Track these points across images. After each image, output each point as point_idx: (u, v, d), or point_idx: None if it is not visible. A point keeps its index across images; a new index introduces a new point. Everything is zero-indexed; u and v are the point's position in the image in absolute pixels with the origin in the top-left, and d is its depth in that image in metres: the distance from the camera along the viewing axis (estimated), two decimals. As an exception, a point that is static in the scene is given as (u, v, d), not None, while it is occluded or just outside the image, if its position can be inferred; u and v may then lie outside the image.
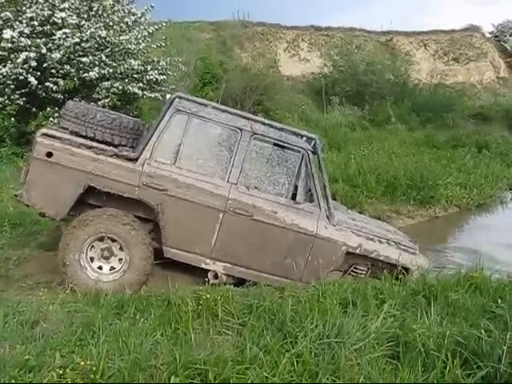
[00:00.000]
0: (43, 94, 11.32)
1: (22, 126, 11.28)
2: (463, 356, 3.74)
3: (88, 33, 11.18)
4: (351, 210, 7.30)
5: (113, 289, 5.07)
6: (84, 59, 11.32)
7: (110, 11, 12.25)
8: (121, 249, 5.32)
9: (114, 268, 5.34)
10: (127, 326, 4.05)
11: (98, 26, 11.46)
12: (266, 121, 5.78)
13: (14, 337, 3.79)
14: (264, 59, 25.44)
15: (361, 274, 5.81)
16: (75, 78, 11.19)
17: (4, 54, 10.67)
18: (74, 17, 11.26)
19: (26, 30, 10.72)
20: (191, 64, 18.52)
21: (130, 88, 12.00)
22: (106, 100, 11.53)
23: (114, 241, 5.30)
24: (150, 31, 13.40)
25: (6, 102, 10.91)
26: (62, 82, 11.12)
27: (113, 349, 3.67)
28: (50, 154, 5.09)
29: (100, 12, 11.97)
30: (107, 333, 3.90)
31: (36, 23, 10.89)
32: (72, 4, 11.42)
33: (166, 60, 13.65)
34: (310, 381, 3.47)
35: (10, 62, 10.55)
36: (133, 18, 13.07)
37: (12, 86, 10.78)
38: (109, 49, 11.83)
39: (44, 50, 10.69)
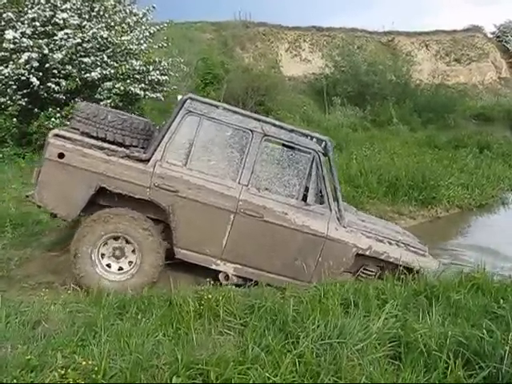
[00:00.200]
0: (45, 94, 11.32)
1: (23, 127, 11.29)
2: (465, 356, 3.74)
3: (90, 33, 11.18)
4: (360, 212, 7.31)
5: (116, 289, 5.08)
6: (86, 60, 11.33)
7: (111, 12, 12.27)
8: (133, 252, 5.35)
9: (123, 269, 5.36)
10: (129, 326, 4.05)
11: (99, 26, 11.46)
12: (277, 122, 5.80)
13: (16, 337, 3.79)
14: (265, 60, 25.47)
15: (370, 275, 5.81)
16: (77, 79, 11.20)
17: (6, 54, 10.68)
18: (76, 17, 11.26)
19: (28, 31, 10.72)
20: (193, 64, 18.55)
21: (132, 88, 11.99)
22: (108, 101, 11.52)
23: (128, 242, 5.33)
24: (152, 32, 13.40)
25: (8, 102, 10.93)
26: (63, 83, 11.13)
27: (114, 349, 3.68)
28: (61, 155, 5.11)
29: (101, 12, 11.98)
30: (109, 333, 3.90)
31: (38, 24, 10.90)
32: (74, 5, 11.43)
33: (168, 60, 13.64)
34: (311, 381, 3.47)
35: (11, 62, 10.55)
36: (134, 18, 13.07)
37: (14, 87, 10.79)
38: (110, 49, 11.83)
39: (46, 51, 10.70)
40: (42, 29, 11.05)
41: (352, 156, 13.61)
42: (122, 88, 11.70)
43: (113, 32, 11.80)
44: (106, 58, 11.65)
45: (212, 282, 5.09)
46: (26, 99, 11.05)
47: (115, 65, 11.87)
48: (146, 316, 4.27)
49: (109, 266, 5.33)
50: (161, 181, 5.25)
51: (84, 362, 3.33)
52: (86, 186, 5.17)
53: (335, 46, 27.92)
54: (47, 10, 11.03)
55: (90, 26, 11.37)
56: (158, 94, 13.26)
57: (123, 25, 12.60)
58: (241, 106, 16.56)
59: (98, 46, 11.62)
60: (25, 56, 10.40)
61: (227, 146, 5.48)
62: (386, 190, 11.54)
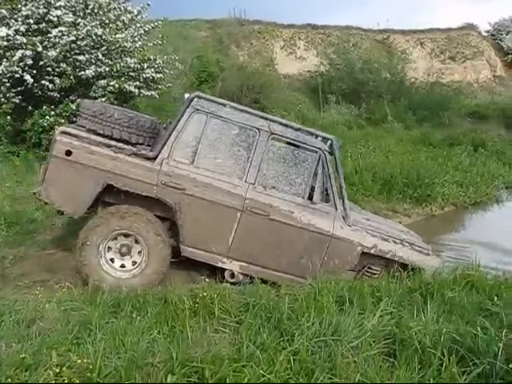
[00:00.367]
0: (39, 92, 11.26)
1: (17, 125, 11.24)
2: (459, 353, 3.76)
3: (84, 31, 11.12)
4: (365, 211, 7.34)
5: (112, 284, 5.11)
6: (80, 57, 11.26)
7: (105, 9, 12.20)
8: (139, 253, 5.36)
9: (125, 267, 5.36)
10: (124, 324, 4.05)
11: (93, 24, 11.40)
12: (284, 121, 5.83)
13: (11, 335, 3.79)
14: (260, 57, 25.46)
15: (374, 274, 5.83)
16: (71, 77, 11.13)
17: (0, 52, 10.63)
18: (70, 15, 11.18)
19: (22, 28, 10.65)
20: (188, 62, 18.52)
21: (127, 86, 11.95)
22: (103, 99, 11.46)
23: (137, 242, 5.34)
24: (147, 29, 13.33)
25: (2, 100, 10.86)
26: (58, 81, 11.06)
27: (109, 347, 3.68)
28: (69, 153, 5.11)
29: (96, 10, 11.91)
30: (104, 331, 3.90)
31: (31, 21, 10.83)
32: (68, 2, 11.35)
33: (163, 58, 13.61)
34: (306, 379, 3.48)
35: (5, 60, 10.49)
36: (129, 16, 13.00)
37: (8, 84, 10.72)
38: (105, 47, 11.78)
39: (40, 48, 10.63)
40: (36, 26, 10.98)
41: (347, 154, 13.62)
42: (116, 86, 11.66)
43: (107, 30, 11.74)
44: (100, 56, 11.59)
45: (207, 280, 5.09)
46: (19, 97, 10.98)
47: (110, 62, 11.83)
48: (140, 314, 4.26)
49: (112, 260, 5.34)
50: (168, 179, 5.26)
51: (79, 361, 3.33)
52: (93, 183, 5.18)
53: (330, 44, 27.92)
54: (41, 7, 10.96)
55: (84, 24, 11.30)
56: (153, 92, 13.23)
57: (118, 22, 12.53)
58: (236, 103, 16.54)
59: (92, 43, 11.55)
60: (19, 53, 10.34)
61: (234, 145, 5.50)
62: (381, 187, 11.57)
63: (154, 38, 14.03)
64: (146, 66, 12.72)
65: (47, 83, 11.02)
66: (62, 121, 10.87)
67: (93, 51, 11.56)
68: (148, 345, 3.76)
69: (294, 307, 4.40)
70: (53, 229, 6.98)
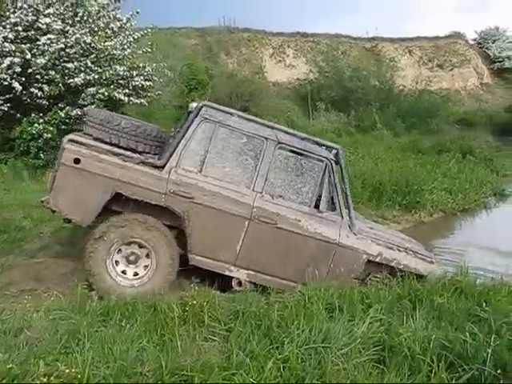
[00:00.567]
0: (28, 99, 11.24)
1: (5, 132, 11.22)
2: (448, 359, 3.78)
3: (73, 38, 11.14)
4: (367, 220, 7.39)
5: (111, 290, 5.13)
6: (69, 65, 11.27)
7: (95, 17, 12.22)
8: (145, 267, 5.37)
9: (125, 274, 5.34)
10: (113, 332, 4.01)
11: (83, 31, 11.42)
12: (291, 130, 5.84)
13: (-2, 345, 3.75)
14: (250, 65, 25.54)
15: (378, 282, 5.83)
16: (60, 84, 11.14)
17: (-12, 59, 10.60)
18: (59, 22, 11.21)
19: (10, 36, 10.65)
20: (177, 70, 18.53)
21: (116, 94, 11.96)
22: (92, 106, 11.44)
23: (148, 257, 5.35)
24: (136, 37, 13.37)
25: (-10, 107, 10.83)
26: (46, 88, 11.06)
27: (98, 356, 3.64)
28: (77, 161, 5.10)
29: (85, 18, 11.93)
30: (92, 340, 3.86)
31: (20, 28, 10.84)
32: (57, 9, 11.39)
33: (152, 66, 13.62)
34: (296, 386, 3.47)
35: (-6, 67, 10.47)
36: (118, 23, 13.03)
37: (-4, 92, 10.71)
38: (94, 55, 11.79)
39: (28, 56, 10.63)
40: (25, 33, 10.99)
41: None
42: (105, 93, 11.66)
43: (96, 37, 11.76)
44: (89, 64, 11.60)
45: (196, 287, 5.07)
46: (8, 104, 10.95)
47: (99, 70, 11.84)
48: (130, 322, 4.23)
49: (117, 263, 5.32)
50: (176, 187, 5.26)
51: (67, 370, 3.30)
52: (101, 191, 5.16)
53: (319, 52, 28.10)
54: (30, 14, 10.98)
55: (73, 31, 11.33)
56: (142, 100, 13.23)
57: (107, 30, 12.56)
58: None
59: (81, 51, 11.57)
60: (7, 61, 10.33)
61: (242, 154, 5.52)
62: (370, 194, 11.59)
63: (143, 45, 14.05)
64: (135, 73, 12.74)
65: (36, 91, 11.01)
66: (51, 128, 10.86)
67: (82, 59, 11.56)
68: (137, 353, 3.73)
69: (283, 315, 4.38)
70: (41, 237, 6.92)
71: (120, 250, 5.30)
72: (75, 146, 5.15)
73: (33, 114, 11.11)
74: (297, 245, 5.55)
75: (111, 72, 11.98)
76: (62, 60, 11.29)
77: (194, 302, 4.43)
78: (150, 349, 3.81)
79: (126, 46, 12.88)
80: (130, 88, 12.84)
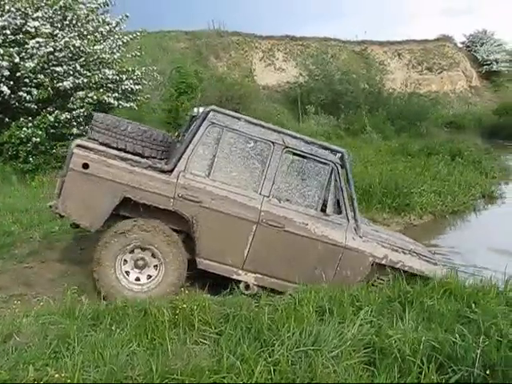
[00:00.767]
0: (16, 103, 11.20)
1: (-6, 137, 11.13)
2: (438, 361, 3.78)
3: (62, 42, 11.08)
4: (372, 223, 7.44)
5: (114, 293, 5.16)
6: (58, 69, 11.22)
7: (84, 21, 12.19)
8: (148, 277, 5.40)
9: (128, 275, 5.36)
10: (103, 337, 3.99)
11: (72, 35, 11.36)
12: (297, 134, 5.87)
13: (-14, 351, 3.72)
14: (239, 69, 25.58)
15: (382, 283, 5.86)
16: (49, 88, 11.08)
17: (-24, 63, 10.54)
18: (48, 26, 11.17)
19: (-1, 39, 10.61)
20: (166, 73, 18.51)
21: (105, 98, 11.90)
22: (81, 110, 11.42)
23: (156, 268, 5.39)
24: (125, 41, 13.36)
25: (-22, 112, 10.78)
26: (35, 92, 11.01)
27: (88, 360, 3.63)
28: (86, 166, 5.09)
29: (74, 21, 11.89)
30: (82, 344, 3.84)
31: (8, 32, 10.79)
32: (45, 13, 11.35)
33: (141, 70, 13.60)
34: (287, 389, 3.47)
35: (-18, 71, 10.42)
36: (107, 27, 13.00)
37: (-16, 96, 10.65)
38: (83, 58, 11.75)
39: (17, 59, 10.57)
40: (13, 37, 10.94)
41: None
42: (94, 97, 11.60)
43: (85, 41, 11.72)
44: (78, 67, 11.56)
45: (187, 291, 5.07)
46: (-4, 109, 10.91)
47: (88, 74, 11.79)
48: (120, 327, 4.21)
49: (125, 261, 5.34)
50: (184, 191, 5.27)
51: (57, 375, 3.29)
52: (110, 196, 5.17)
53: (309, 55, 28.20)
54: (18, 18, 10.93)
55: (62, 35, 11.28)
56: (132, 104, 13.21)
57: (96, 34, 12.55)
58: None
59: (70, 54, 11.52)
60: (-5, 65, 10.28)
61: (249, 158, 5.53)
62: (360, 197, 11.54)
63: (132, 49, 14.05)
64: (124, 77, 12.72)
65: (24, 94, 10.97)
66: (40, 132, 10.81)
67: (71, 62, 11.52)
68: (127, 357, 3.72)
69: (274, 318, 4.38)
70: (30, 242, 6.89)
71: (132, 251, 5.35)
72: (83, 151, 5.15)
73: (21, 118, 11.04)
74: (304, 248, 5.58)
75: (100, 76, 11.94)
76: (50, 64, 11.24)
77: (185, 305, 4.42)
78: (141, 353, 3.80)
79: (115, 50, 12.87)
80: (120, 92, 12.82)
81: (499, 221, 11.95)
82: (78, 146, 5.20)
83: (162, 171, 5.32)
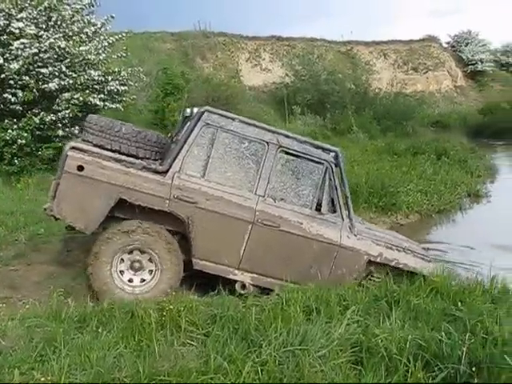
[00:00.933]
0: (1, 105, 11.10)
1: (-21, 139, 11.03)
2: (425, 359, 3.81)
3: (47, 43, 11.00)
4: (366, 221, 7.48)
5: (105, 291, 5.18)
6: (43, 70, 11.13)
7: (69, 21, 12.10)
8: (142, 280, 5.39)
9: (122, 275, 5.35)
10: (89, 339, 3.98)
11: (57, 36, 11.27)
12: (291, 134, 5.89)
13: (-29, 355, 3.69)
14: (226, 69, 25.58)
15: (376, 281, 5.89)
16: (34, 90, 11.00)
17: (-40, 64, 10.45)
18: (33, 27, 11.07)
19: (-18, 41, 10.52)
20: (153, 74, 18.46)
21: (91, 99, 11.83)
22: (67, 111, 11.35)
23: (151, 273, 5.38)
24: (111, 42, 13.27)
25: (-37, 114, 10.68)
26: (20, 94, 10.92)
27: (75, 363, 3.61)
28: (80, 168, 5.07)
29: (59, 22, 11.80)
30: (69, 347, 3.83)
31: (-8, 33, 10.71)
32: (30, 14, 11.26)
33: (127, 70, 13.54)
34: (274, 389, 3.48)
35: (-34, 73, 10.33)
36: (93, 28, 12.91)
37: (-32, 98, 10.56)
38: (68, 59, 11.66)
39: (1, 61, 10.49)
40: (-3, 38, 10.85)
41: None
42: (80, 99, 11.52)
43: (71, 42, 11.62)
44: (64, 69, 11.47)
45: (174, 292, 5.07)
46: (-19, 110, 10.81)
47: (74, 75, 11.70)
48: (107, 329, 4.20)
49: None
50: (180, 192, 5.27)
51: (43, 378, 3.28)
52: (105, 198, 5.15)
53: (295, 56, 28.27)
54: (2, 18, 10.83)
55: (47, 36, 11.18)
56: (118, 105, 13.14)
57: (81, 35, 12.45)
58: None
59: (55, 56, 11.43)
60: (-21, 66, 10.19)
61: (244, 158, 5.55)
62: (347, 196, 11.63)
63: (118, 50, 13.96)
64: (110, 78, 12.65)
65: (9, 96, 10.88)
66: (25, 134, 10.73)
67: (56, 64, 11.43)
68: (114, 360, 3.71)
69: (261, 318, 4.40)
70: (16, 244, 6.83)
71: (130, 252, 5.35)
72: (78, 153, 5.13)
73: (6, 120, 10.95)
74: (299, 247, 5.61)
75: (86, 77, 11.85)
76: (35, 65, 11.15)
77: (171, 306, 4.42)
78: (128, 354, 3.79)
79: (100, 51, 12.77)
80: (106, 93, 12.74)
81: (486, 218, 12.10)
82: (73, 148, 5.18)
83: (157, 172, 5.31)
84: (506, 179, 17.50)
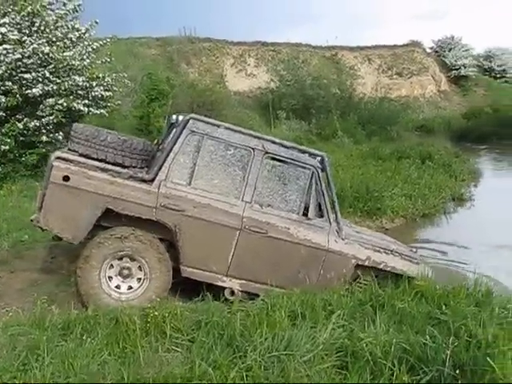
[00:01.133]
0: (-16, 111, 11.02)
1: (-39, 145, 10.93)
2: (409, 362, 3.83)
3: (30, 48, 10.95)
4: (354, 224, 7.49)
5: (92, 295, 5.13)
6: (27, 75, 11.08)
7: (52, 27, 12.04)
8: (129, 288, 5.35)
9: (110, 281, 5.30)
10: (73, 346, 3.95)
11: (40, 41, 11.23)
12: (277, 140, 5.87)
13: (-48, 364, 3.65)
14: (211, 75, 25.56)
15: (366, 285, 5.89)
16: (18, 95, 10.94)
17: None
18: (15, 32, 11.03)
19: (-35, 46, 10.43)
20: (137, 80, 18.41)
21: (75, 105, 11.78)
22: (51, 117, 11.29)
23: (139, 281, 5.35)
24: (95, 47, 13.23)
25: None
26: (3, 99, 10.85)
27: (58, 371, 3.59)
28: (66, 178, 5.03)
29: (42, 28, 11.73)
30: (52, 355, 3.80)
31: (-26, 39, 10.63)
32: (13, 19, 11.20)
33: (112, 76, 13.49)
34: (259, 394, 3.47)
35: None
36: (77, 33, 12.85)
37: (-49, 104, 10.46)
38: (52, 65, 11.60)
39: (-16, 67, 10.42)
40: (-21, 44, 10.77)
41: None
42: (64, 104, 11.47)
43: (54, 47, 11.57)
44: (47, 74, 11.41)
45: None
46: (-37, 116, 10.72)
47: (57, 81, 11.65)
48: (91, 336, 4.16)
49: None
50: (166, 200, 5.25)
51: (25, 387, 3.24)
52: (92, 208, 5.12)
53: (280, 61, 28.33)
54: (-16, 24, 10.77)
55: (30, 41, 11.14)
56: (102, 110, 13.08)
57: (65, 40, 12.39)
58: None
59: (39, 61, 11.38)
60: (-38, 72, 10.11)
61: (230, 165, 5.54)
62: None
63: (102, 55, 13.90)
64: (94, 84, 12.58)
65: (-8, 102, 10.79)
66: (9, 140, 10.67)
67: (40, 69, 11.37)
68: (98, 367, 3.69)
69: (246, 323, 4.39)
70: (-1, 251, 6.78)
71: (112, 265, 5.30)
72: (64, 164, 5.09)
73: (-11, 126, 10.89)
74: (287, 252, 5.61)
75: (70, 82, 11.80)
76: (19, 70, 11.09)
77: (156, 313, 4.40)
78: (112, 362, 3.78)
79: (85, 56, 12.72)
80: (90, 98, 12.68)
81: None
82: (58, 158, 5.15)
83: (143, 181, 5.29)
84: (489, 182, 17.74)
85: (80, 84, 12.10)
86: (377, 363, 3.83)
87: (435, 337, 4.07)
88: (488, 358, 3.58)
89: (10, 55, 10.64)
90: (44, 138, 11.34)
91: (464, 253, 9.65)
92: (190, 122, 5.47)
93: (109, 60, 13.93)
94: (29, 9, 11.26)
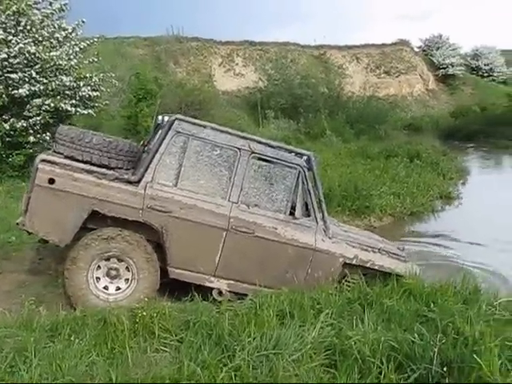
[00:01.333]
0: (-30, 111, 10.94)
1: None
2: (397, 360, 3.84)
3: (16, 48, 10.87)
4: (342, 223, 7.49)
5: (80, 296, 5.12)
6: (13, 76, 10.99)
7: (39, 26, 11.93)
8: (117, 288, 5.33)
9: (97, 282, 5.28)
10: (61, 348, 3.93)
11: (26, 41, 11.15)
12: (263, 140, 5.89)
13: None
14: (199, 74, 25.52)
15: (354, 283, 5.91)
16: (4, 96, 10.86)
17: None
18: (1, 31, 10.94)
19: (-50, 46, 10.34)
20: (125, 80, 18.33)
21: (63, 105, 11.71)
22: (38, 118, 11.22)
23: (127, 281, 5.34)
24: (82, 47, 13.14)
25: None
26: (-11, 100, 10.78)
27: (46, 373, 3.57)
28: (51, 181, 5.01)
29: (28, 27, 11.62)
30: (40, 356, 3.77)
31: (-41, 39, 10.54)
32: (-2, 19, 11.12)
33: (99, 76, 13.41)
34: (248, 394, 3.47)
35: None
36: (63, 33, 12.75)
37: None
38: (39, 65, 11.51)
39: (-31, 67, 10.34)
40: (-36, 44, 10.69)
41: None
42: (52, 105, 11.41)
43: (41, 47, 11.48)
44: (34, 74, 11.33)
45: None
46: None
47: (44, 81, 11.57)
48: (79, 337, 4.15)
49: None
50: (153, 202, 5.24)
51: (12, 389, 3.22)
52: (78, 210, 5.09)
53: (268, 60, 28.33)
54: (-31, 24, 10.68)
55: (16, 41, 11.05)
56: (90, 110, 13.01)
57: (52, 40, 12.30)
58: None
59: (25, 61, 11.30)
60: None
61: (216, 165, 5.54)
62: (320, 200, 11.68)
63: (90, 55, 13.82)
64: (82, 84, 12.50)
65: (-22, 102, 10.71)
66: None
67: (26, 69, 11.29)
68: (87, 368, 3.68)
69: (235, 323, 4.40)
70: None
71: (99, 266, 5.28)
72: (49, 166, 5.06)
73: (-25, 127, 10.79)
74: (275, 252, 5.62)
75: (57, 82, 11.72)
76: (5, 70, 11.01)
77: (144, 313, 4.39)
78: (100, 362, 3.76)
79: (72, 56, 12.63)
80: (77, 98, 12.60)
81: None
82: (43, 160, 5.11)
83: (129, 182, 5.28)
84: (476, 180, 17.88)
85: (67, 84, 12.02)
86: (365, 361, 3.84)
87: (423, 334, 4.08)
88: (475, 355, 3.59)
89: (-4, 55, 10.56)
90: (31, 139, 11.27)
91: (452, 248, 9.82)
92: (176, 122, 5.45)
93: (96, 60, 13.84)
94: (14, 8, 11.16)
